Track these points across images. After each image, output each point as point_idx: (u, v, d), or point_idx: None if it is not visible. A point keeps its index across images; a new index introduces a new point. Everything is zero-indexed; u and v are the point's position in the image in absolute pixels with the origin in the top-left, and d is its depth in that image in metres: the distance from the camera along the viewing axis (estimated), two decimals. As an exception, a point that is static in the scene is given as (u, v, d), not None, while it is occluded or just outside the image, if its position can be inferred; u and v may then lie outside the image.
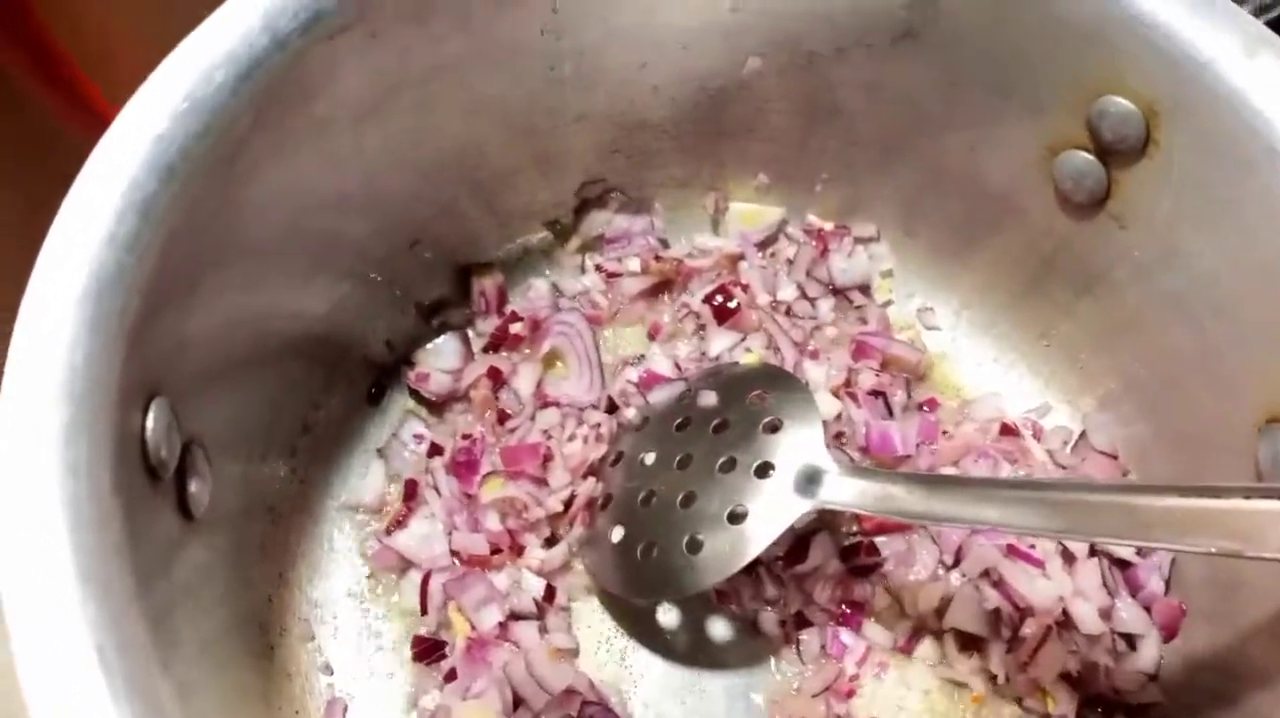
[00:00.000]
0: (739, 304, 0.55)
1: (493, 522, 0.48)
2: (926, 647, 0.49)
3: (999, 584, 0.49)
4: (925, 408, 0.55)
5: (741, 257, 0.57)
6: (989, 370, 0.56)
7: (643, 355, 0.55)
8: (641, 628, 0.49)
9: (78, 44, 0.56)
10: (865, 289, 0.57)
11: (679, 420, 0.49)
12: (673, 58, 0.50)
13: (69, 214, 0.33)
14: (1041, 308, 0.54)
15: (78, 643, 0.27)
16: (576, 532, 0.50)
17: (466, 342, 0.54)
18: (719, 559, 0.45)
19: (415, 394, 0.53)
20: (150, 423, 0.34)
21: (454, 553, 0.49)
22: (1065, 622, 0.48)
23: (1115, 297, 0.50)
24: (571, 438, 0.51)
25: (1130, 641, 0.48)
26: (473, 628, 0.46)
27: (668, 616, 0.49)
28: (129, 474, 0.32)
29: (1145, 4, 0.42)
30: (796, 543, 0.49)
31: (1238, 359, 0.44)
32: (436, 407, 0.53)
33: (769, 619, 0.49)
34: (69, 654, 0.27)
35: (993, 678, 0.48)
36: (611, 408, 0.53)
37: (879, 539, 0.50)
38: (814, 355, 0.55)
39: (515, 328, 0.54)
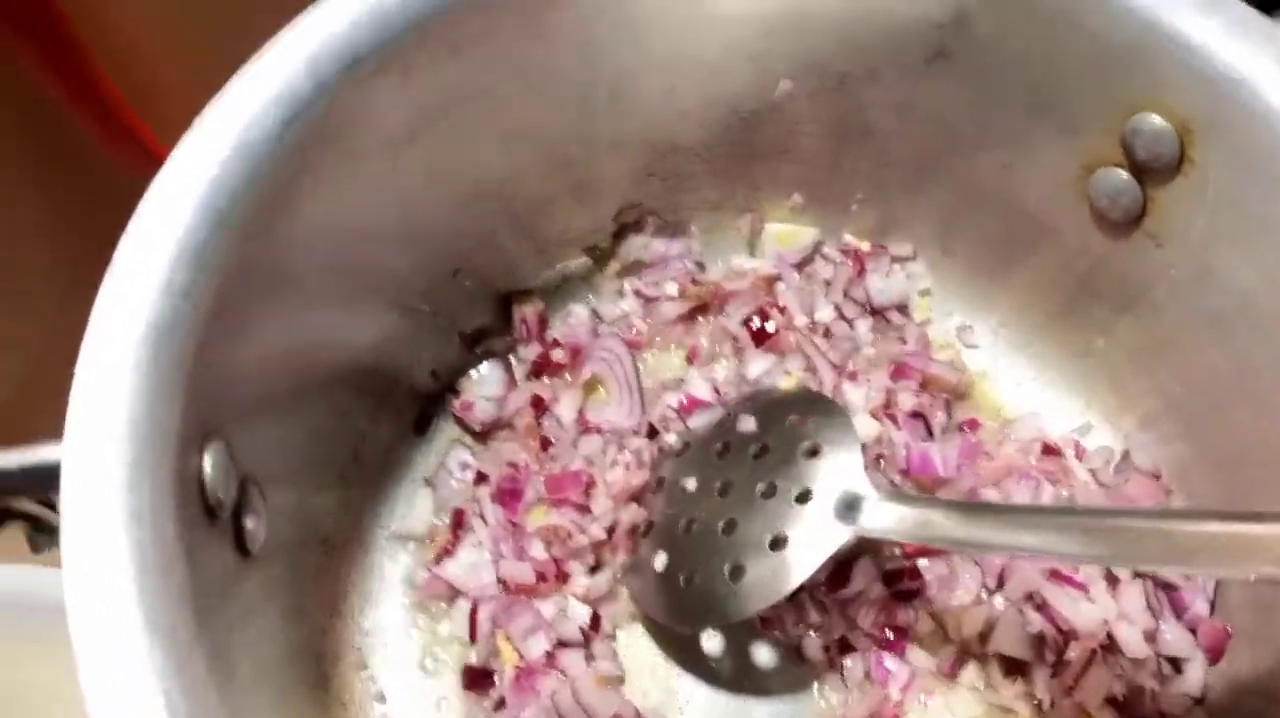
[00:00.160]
0: (776, 327, 0.56)
1: (538, 550, 0.49)
2: (971, 672, 0.49)
3: (1042, 608, 0.49)
4: (966, 428, 0.55)
5: (778, 278, 0.58)
6: (1029, 390, 0.56)
7: (682, 379, 0.55)
8: (686, 655, 0.50)
9: (125, 80, 0.58)
10: (903, 309, 0.57)
11: (719, 446, 0.50)
12: (703, 83, 0.50)
13: (124, 262, 0.34)
14: (1080, 326, 0.54)
15: (145, 689, 0.29)
16: (620, 559, 0.50)
17: (509, 369, 0.55)
18: (762, 586, 0.45)
19: (461, 423, 0.54)
20: (208, 465, 0.34)
21: (501, 581, 0.49)
22: (1110, 645, 0.47)
23: (1153, 315, 0.49)
24: (614, 464, 0.51)
25: (1175, 664, 0.48)
26: (520, 657, 0.47)
27: (712, 642, 0.49)
28: (189, 517, 0.33)
29: (1181, 22, 0.41)
30: (839, 568, 0.49)
31: (1274, 378, 0.43)
32: (482, 435, 0.54)
33: (813, 645, 0.49)
34: (138, 701, 0.28)
35: (1038, 703, 0.48)
36: (652, 433, 0.53)
37: (921, 563, 0.50)
38: (853, 377, 0.55)
39: (556, 355, 0.55)
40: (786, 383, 0.54)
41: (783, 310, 0.56)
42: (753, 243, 0.59)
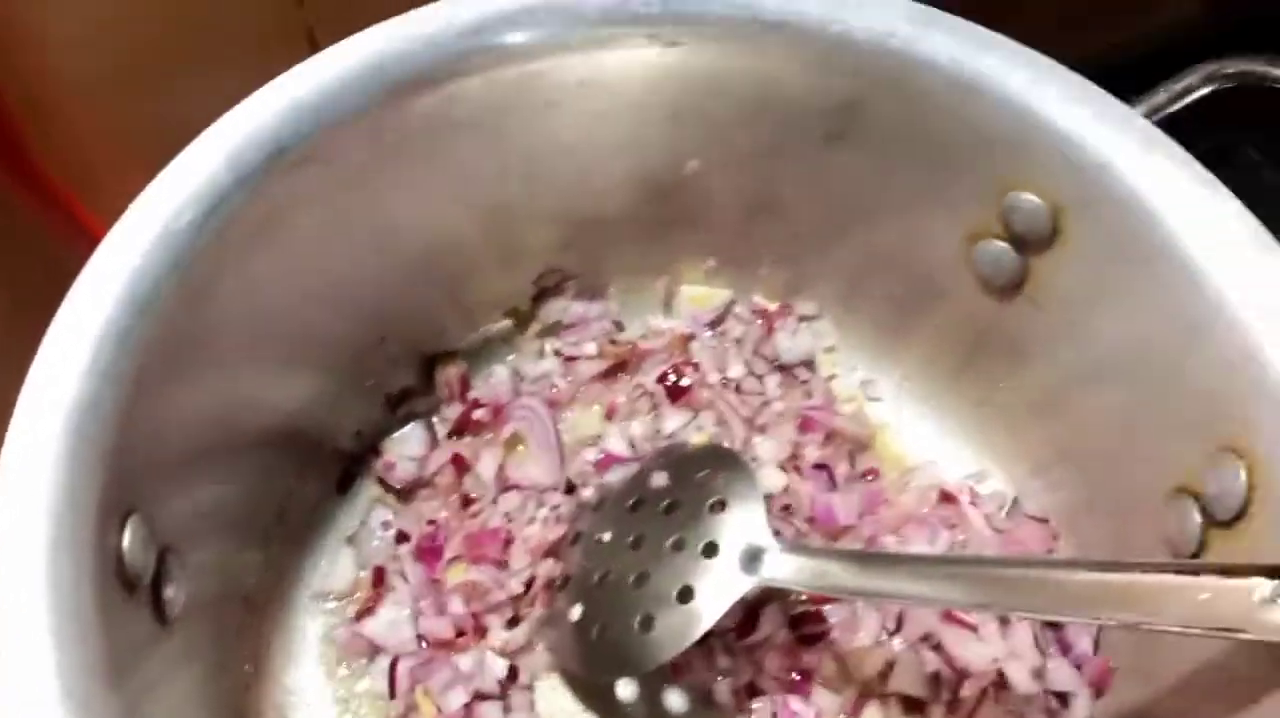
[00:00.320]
0: (691, 383, 0.59)
1: (457, 606, 0.51)
2: (873, 711, 0.52)
3: (938, 648, 0.51)
4: (869, 477, 0.58)
5: (692, 337, 0.60)
6: (929, 440, 0.59)
7: (599, 436, 0.58)
8: (602, 703, 0.51)
9: (63, 167, 0.59)
10: (809, 364, 0.61)
11: (633, 500, 0.52)
12: (613, 163, 0.53)
13: (51, 345, 0.36)
14: (977, 380, 0.57)
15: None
16: (538, 612, 0.52)
17: (431, 429, 0.57)
18: (670, 636, 0.47)
19: (383, 482, 0.56)
20: (127, 539, 0.36)
21: (420, 637, 0.51)
22: (1001, 682, 0.50)
23: (1040, 370, 0.53)
24: (531, 520, 0.53)
25: (1063, 699, 0.50)
26: (439, 711, 0.49)
27: (626, 690, 0.51)
28: (107, 589, 0.35)
29: (1051, 110, 0.45)
30: (747, 614, 0.52)
31: (1146, 432, 0.47)
32: (404, 494, 0.56)
33: (722, 690, 0.51)
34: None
35: (935, 740, 0.50)
36: (570, 489, 0.55)
37: (825, 608, 0.53)
38: (762, 430, 0.58)
39: (478, 414, 0.57)
40: (698, 438, 0.57)
41: (696, 368, 0.59)
42: (668, 304, 0.62)
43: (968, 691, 0.50)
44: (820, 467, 0.56)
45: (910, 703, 0.51)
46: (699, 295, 0.62)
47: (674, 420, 0.58)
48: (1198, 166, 0.44)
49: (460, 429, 0.57)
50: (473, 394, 0.58)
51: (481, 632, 0.51)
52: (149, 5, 0.53)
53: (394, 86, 0.44)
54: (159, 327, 0.38)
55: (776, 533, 0.47)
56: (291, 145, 0.41)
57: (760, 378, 0.60)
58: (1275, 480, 0.40)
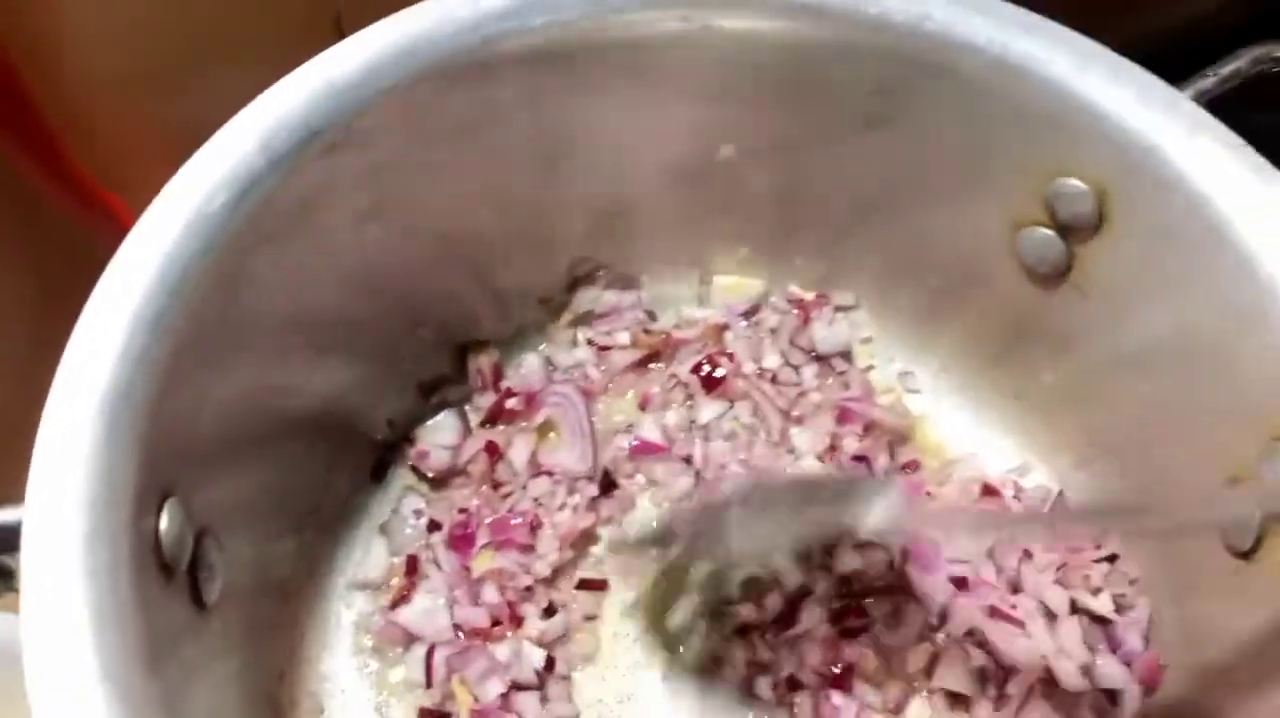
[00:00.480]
0: (725, 373, 0.58)
1: (491, 594, 0.50)
2: (917, 706, 0.51)
3: (983, 644, 0.50)
4: (908, 469, 0.57)
5: (726, 327, 0.60)
6: (969, 431, 0.58)
7: (633, 424, 0.57)
8: (640, 694, 0.51)
9: (95, 164, 0.59)
10: (847, 355, 0.59)
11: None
12: (648, 150, 0.52)
13: (84, 332, 0.36)
14: (1016, 371, 0.56)
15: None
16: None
17: (464, 418, 0.57)
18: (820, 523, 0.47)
19: (416, 470, 0.56)
20: (164, 523, 0.36)
21: (456, 626, 0.51)
22: (1049, 679, 0.49)
23: (1082, 359, 0.52)
24: (562, 507, 0.53)
25: (1112, 696, 0.49)
26: (475, 700, 0.48)
27: (665, 682, 0.51)
28: (145, 574, 0.34)
29: (1095, 93, 0.44)
30: (786, 608, 0.51)
31: (1196, 423, 0.46)
32: (437, 482, 0.55)
33: (763, 684, 0.50)
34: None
35: (981, 736, 0.49)
36: (608, 484, 0.55)
37: (867, 602, 0.52)
38: (799, 421, 0.57)
39: (511, 403, 0.56)
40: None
41: (731, 358, 0.58)
42: (702, 294, 0.61)
43: (1014, 687, 0.49)
44: (860, 458, 0.55)
45: (955, 699, 0.50)
46: (733, 285, 0.61)
47: (709, 411, 0.57)
48: (1248, 150, 0.42)
49: (494, 418, 0.56)
50: (505, 383, 0.58)
51: (518, 621, 0.51)
52: (178, 1, 0.53)
53: (426, 70, 0.43)
54: (191, 312, 0.38)
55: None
56: (324, 129, 0.41)
57: (796, 368, 0.59)
58: (1335, 470, 0.39)
